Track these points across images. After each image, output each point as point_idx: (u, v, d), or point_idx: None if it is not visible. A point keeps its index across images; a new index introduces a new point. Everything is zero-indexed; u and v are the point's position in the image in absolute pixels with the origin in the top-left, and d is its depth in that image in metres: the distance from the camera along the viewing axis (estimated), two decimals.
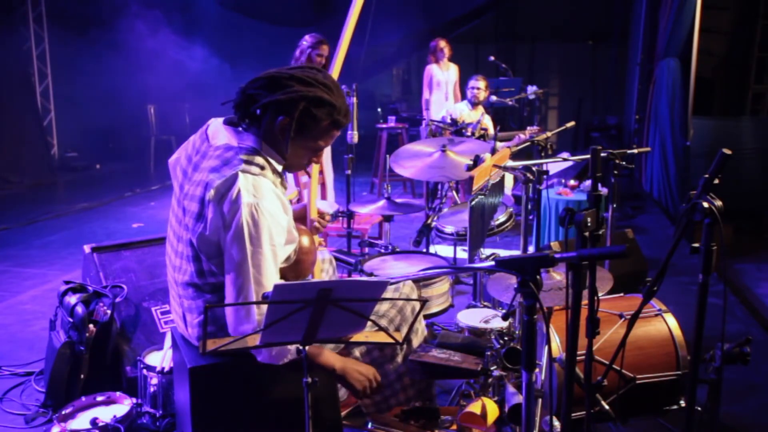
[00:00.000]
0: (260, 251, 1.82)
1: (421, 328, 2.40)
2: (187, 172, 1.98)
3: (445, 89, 6.94)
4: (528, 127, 5.70)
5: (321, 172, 4.48)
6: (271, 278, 1.85)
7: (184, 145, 2.07)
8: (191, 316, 2.01)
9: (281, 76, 1.87)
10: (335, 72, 2.53)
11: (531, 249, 2.87)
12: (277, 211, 1.86)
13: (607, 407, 2.15)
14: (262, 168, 1.88)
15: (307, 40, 4.68)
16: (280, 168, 1.98)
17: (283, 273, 2.17)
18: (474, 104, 6.00)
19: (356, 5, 2.52)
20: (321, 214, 2.52)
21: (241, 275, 1.82)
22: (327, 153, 4.84)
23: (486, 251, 3.98)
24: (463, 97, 6.30)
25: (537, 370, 2.19)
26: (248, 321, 1.83)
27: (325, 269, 2.59)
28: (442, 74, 6.94)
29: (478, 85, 5.95)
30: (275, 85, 1.87)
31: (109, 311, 2.78)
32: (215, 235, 1.85)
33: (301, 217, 2.42)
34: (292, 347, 1.86)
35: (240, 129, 1.96)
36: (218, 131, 1.98)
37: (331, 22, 9.25)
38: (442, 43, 6.88)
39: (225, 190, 1.81)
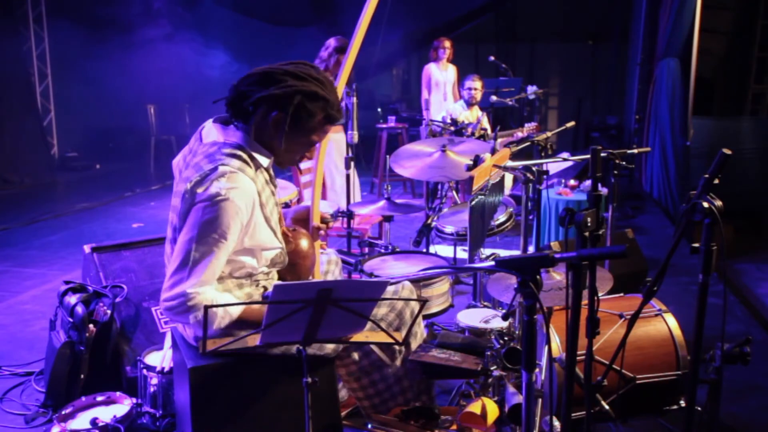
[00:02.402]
0: (209, 240, 1.81)
1: (420, 331, 2.38)
2: (181, 172, 2.01)
3: (443, 89, 6.94)
4: (526, 124, 5.72)
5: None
6: (210, 270, 1.83)
7: (186, 147, 2.09)
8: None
9: (275, 71, 1.89)
10: (344, 76, 2.53)
11: (531, 249, 2.87)
12: (243, 209, 1.85)
13: (607, 407, 2.15)
14: (244, 163, 1.88)
15: (332, 44, 4.69)
16: (266, 163, 1.98)
17: (282, 275, 2.17)
18: (470, 104, 6.00)
19: (367, 14, 2.50)
20: (324, 219, 2.51)
21: (181, 253, 1.82)
22: (332, 155, 4.88)
23: (486, 251, 3.97)
24: (460, 96, 6.30)
25: (537, 370, 2.19)
26: (183, 282, 1.82)
27: (330, 270, 2.58)
28: (441, 74, 6.93)
29: (476, 86, 5.95)
30: (269, 80, 1.88)
31: (109, 311, 2.78)
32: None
33: (302, 219, 2.41)
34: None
35: (229, 126, 1.97)
36: (211, 130, 2.00)
37: (330, 22, 9.27)
38: (447, 43, 6.86)
39: (200, 180, 1.83)
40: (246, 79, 1.92)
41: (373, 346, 2.17)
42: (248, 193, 1.86)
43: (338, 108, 1.96)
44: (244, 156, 1.90)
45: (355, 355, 2.18)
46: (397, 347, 2.20)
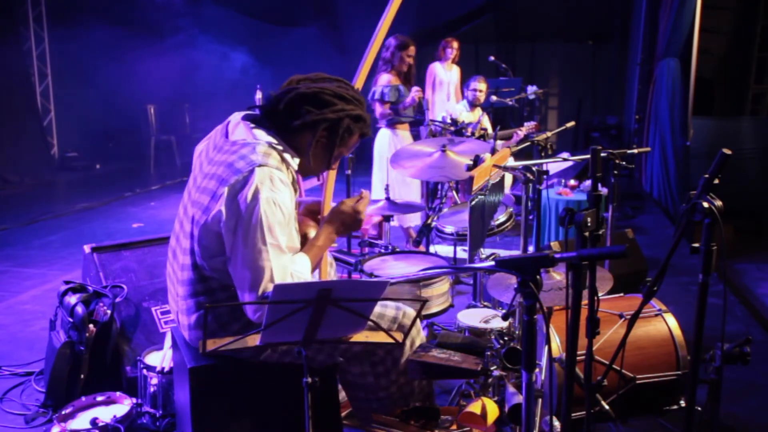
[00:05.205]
0: (279, 241, 1.84)
1: (419, 339, 2.36)
2: (203, 166, 1.99)
3: (446, 89, 6.92)
4: (525, 123, 5.70)
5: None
6: (288, 264, 1.87)
7: (209, 136, 2.08)
8: (184, 317, 2.01)
9: (323, 92, 1.94)
10: (360, 79, 2.53)
11: (531, 249, 2.87)
12: (290, 204, 1.90)
13: (607, 407, 2.15)
14: (278, 162, 1.91)
15: (393, 43, 4.87)
16: (295, 164, 1.99)
17: None
18: (473, 105, 6.00)
19: (389, 15, 2.48)
20: None
21: (259, 265, 1.82)
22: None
23: (486, 251, 3.98)
24: (463, 97, 6.29)
25: (537, 370, 2.19)
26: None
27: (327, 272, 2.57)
28: (445, 74, 6.91)
29: (481, 87, 5.94)
30: (319, 102, 1.93)
31: (109, 311, 2.78)
32: (216, 225, 1.84)
33: (314, 211, 2.40)
34: None
35: (259, 128, 1.96)
36: (238, 127, 1.99)
37: (330, 22, 9.27)
38: (455, 44, 6.82)
39: (241, 186, 1.82)
40: (289, 94, 1.93)
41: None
42: (289, 189, 1.91)
43: (369, 124, 2.07)
44: (277, 155, 1.92)
45: (353, 371, 2.17)
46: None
